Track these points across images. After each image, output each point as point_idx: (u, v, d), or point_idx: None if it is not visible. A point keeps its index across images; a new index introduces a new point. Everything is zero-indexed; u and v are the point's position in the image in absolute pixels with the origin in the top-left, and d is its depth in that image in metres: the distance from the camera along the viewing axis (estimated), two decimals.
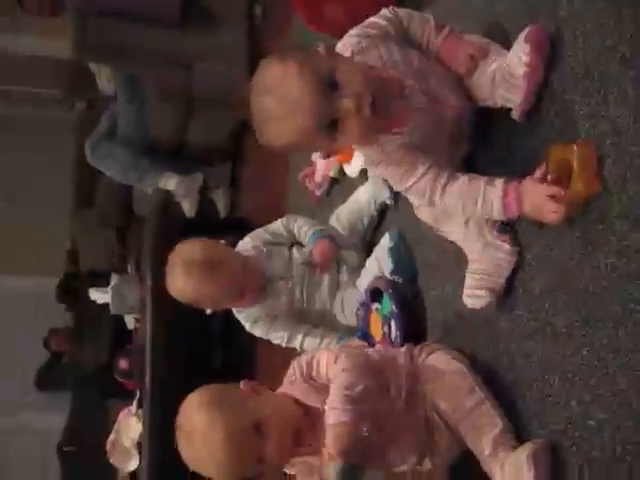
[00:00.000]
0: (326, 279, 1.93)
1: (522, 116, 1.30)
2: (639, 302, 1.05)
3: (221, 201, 3.70)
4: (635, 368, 1.05)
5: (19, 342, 4.78)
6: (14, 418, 4.86)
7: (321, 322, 1.95)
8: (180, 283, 1.86)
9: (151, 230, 2.96)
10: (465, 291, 1.40)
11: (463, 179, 1.31)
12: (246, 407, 1.30)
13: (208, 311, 1.98)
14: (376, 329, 1.73)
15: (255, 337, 2.01)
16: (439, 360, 1.39)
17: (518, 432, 1.28)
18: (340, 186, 2.22)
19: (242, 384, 1.37)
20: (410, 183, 1.33)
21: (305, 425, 1.30)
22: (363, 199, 1.94)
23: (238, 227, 2.71)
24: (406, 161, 1.32)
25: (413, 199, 1.44)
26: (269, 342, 1.98)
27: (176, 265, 1.86)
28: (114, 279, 3.59)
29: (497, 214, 1.28)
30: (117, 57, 3.33)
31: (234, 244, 2.02)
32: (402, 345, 1.50)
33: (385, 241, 1.77)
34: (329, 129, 1.22)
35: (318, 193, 2.31)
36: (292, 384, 1.40)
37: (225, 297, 1.89)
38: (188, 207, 3.56)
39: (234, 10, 3.39)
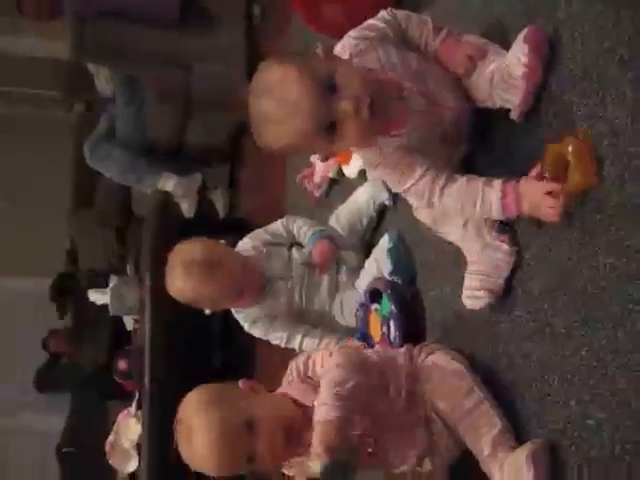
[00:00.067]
0: (325, 280, 1.93)
1: (521, 117, 1.30)
2: (638, 303, 1.06)
3: (220, 202, 3.70)
4: (634, 368, 1.06)
5: (18, 343, 4.78)
6: (13, 419, 4.85)
7: (320, 323, 1.95)
8: (180, 283, 1.86)
9: (150, 231, 2.96)
10: (464, 292, 1.40)
11: (461, 180, 1.31)
12: (240, 405, 1.31)
13: (207, 311, 1.98)
14: (375, 330, 1.73)
15: (254, 337, 2.01)
16: (438, 360, 1.39)
17: (517, 432, 1.28)
18: (339, 187, 2.22)
19: (241, 383, 1.38)
20: (408, 185, 1.34)
21: (303, 425, 1.31)
22: (362, 200, 1.95)
23: (237, 228, 2.71)
24: (404, 163, 1.33)
25: (412, 200, 1.44)
26: (268, 342, 1.98)
27: (176, 265, 1.86)
28: (113, 280, 3.59)
29: (496, 214, 1.28)
30: (115, 58, 3.33)
31: (233, 245, 2.02)
32: (401, 346, 1.50)
33: (384, 242, 1.77)
34: (327, 132, 1.23)
35: (317, 194, 2.31)
36: (290, 384, 1.41)
37: (224, 297, 1.90)
38: (187, 208, 3.56)
39: (232, 10, 3.39)
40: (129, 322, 3.75)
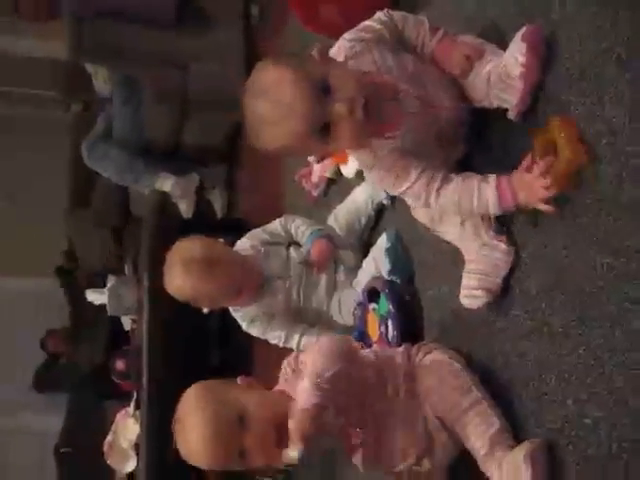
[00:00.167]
0: (323, 279, 1.93)
1: (518, 116, 1.30)
2: (635, 302, 1.06)
3: (218, 202, 3.70)
4: (631, 367, 1.06)
5: (17, 343, 4.77)
6: (12, 419, 4.85)
7: (318, 322, 1.95)
8: (179, 281, 1.86)
9: (148, 231, 2.96)
10: (462, 291, 1.40)
11: (457, 180, 1.32)
12: (233, 399, 1.32)
13: (205, 310, 1.99)
14: (373, 329, 1.74)
15: (252, 336, 2.01)
16: (436, 360, 1.39)
17: (515, 431, 1.28)
18: (337, 187, 2.22)
19: (239, 379, 1.39)
20: (404, 188, 1.34)
21: None
22: (361, 199, 1.95)
23: (235, 228, 2.71)
24: (398, 166, 1.33)
25: (409, 201, 1.45)
26: (266, 341, 1.98)
27: (175, 263, 1.86)
28: (111, 280, 3.59)
29: (493, 209, 1.29)
30: (113, 58, 3.33)
31: (232, 244, 2.02)
32: (399, 345, 1.50)
33: (382, 241, 1.78)
34: (322, 133, 1.23)
35: (315, 194, 2.31)
36: (287, 382, 1.41)
37: (223, 295, 1.90)
38: (185, 208, 3.56)
39: (230, 10, 3.39)
40: (127, 322, 3.75)
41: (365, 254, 1.89)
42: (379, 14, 1.38)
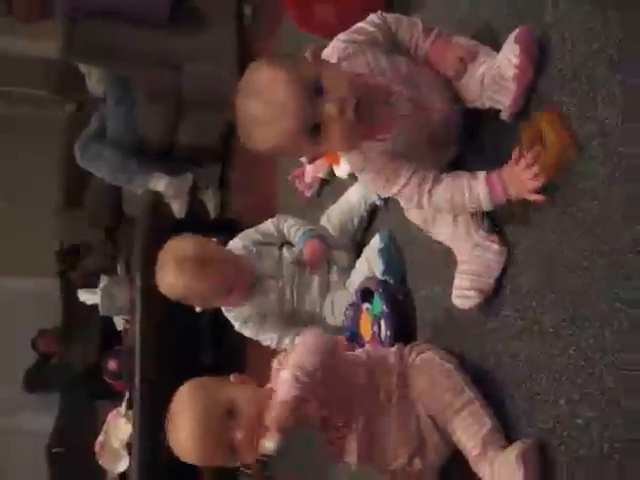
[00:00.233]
0: (316, 279, 1.93)
1: (511, 117, 1.31)
2: (625, 302, 1.06)
3: (211, 202, 3.70)
4: (622, 367, 1.06)
5: (9, 343, 4.76)
6: (3, 419, 4.83)
7: (311, 323, 1.95)
8: (171, 278, 1.85)
9: (141, 231, 2.96)
10: (454, 291, 1.41)
11: (447, 180, 1.32)
12: (224, 396, 1.33)
13: (197, 309, 1.98)
14: (366, 329, 1.74)
15: (245, 337, 2.01)
16: (428, 360, 1.40)
17: (507, 431, 1.28)
18: (330, 187, 2.22)
19: (232, 377, 1.39)
20: (395, 190, 1.35)
21: None
22: (353, 200, 1.95)
23: (228, 228, 2.71)
24: (388, 168, 1.34)
25: (402, 202, 1.45)
26: (259, 342, 1.98)
27: (168, 261, 1.86)
28: (103, 280, 3.58)
29: (485, 204, 1.29)
30: (106, 58, 3.32)
31: (224, 244, 2.02)
32: (392, 345, 1.51)
33: (375, 242, 1.78)
34: (313, 133, 1.23)
35: (308, 194, 2.31)
36: (273, 378, 1.41)
37: (215, 294, 1.89)
38: (178, 208, 3.55)
39: (223, 10, 3.39)
40: (119, 322, 3.74)
41: (358, 255, 1.89)
42: (372, 16, 1.38)
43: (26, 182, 4.79)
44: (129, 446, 3.01)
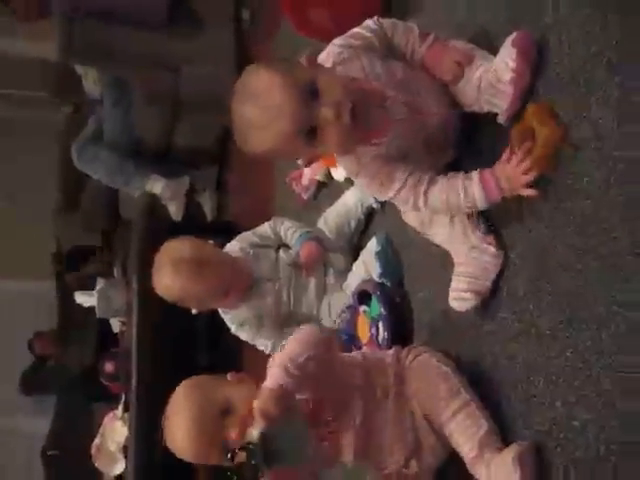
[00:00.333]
0: (313, 282, 1.93)
1: (508, 121, 1.31)
2: (622, 304, 1.07)
3: (208, 204, 3.70)
4: (618, 369, 1.07)
5: (6, 344, 4.75)
6: (3, 420, 4.83)
7: None
8: (167, 280, 1.85)
9: (138, 233, 2.96)
10: (451, 294, 1.41)
11: (442, 181, 1.33)
12: (220, 395, 1.33)
13: (194, 311, 1.98)
14: (363, 331, 1.74)
15: (241, 339, 2.01)
16: (425, 362, 1.40)
17: (503, 433, 1.29)
18: (327, 190, 2.23)
19: (229, 375, 1.39)
20: (391, 194, 1.36)
21: None
22: (350, 202, 1.95)
23: (225, 231, 2.71)
24: (383, 173, 1.34)
25: (399, 205, 1.45)
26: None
27: (164, 263, 1.86)
28: (100, 283, 3.58)
29: (481, 203, 1.30)
30: (103, 60, 3.32)
31: (221, 247, 2.02)
32: (390, 347, 1.51)
33: (372, 245, 1.78)
34: (308, 136, 1.24)
35: (305, 196, 2.31)
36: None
37: (211, 297, 1.89)
38: (175, 210, 3.55)
39: (221, 13, 3.39)
40: (116, 324, 3.74)
41: (355, 257, 1.90)
42: (369, 22, 1.38)
43: (24, 184, 4.79)
44: (125, 449, 3.01)
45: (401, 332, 1.64)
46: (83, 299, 3.66)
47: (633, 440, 1.04)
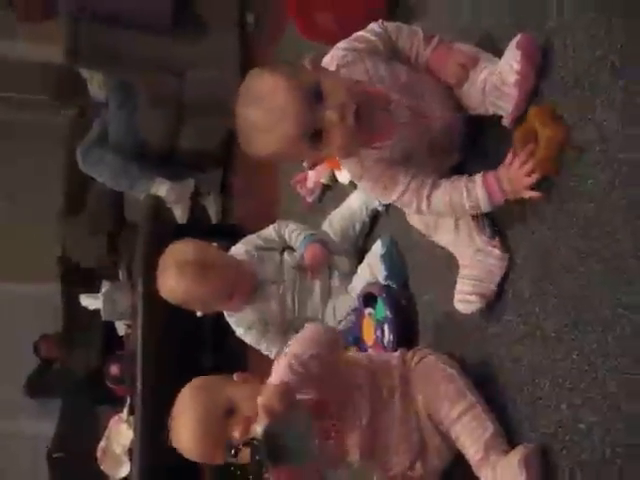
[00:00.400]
0: (317, 285, 1.93)
1: (513, 123, 1.31)
2: (628, 307, 1.07)
3: (212, 207, 3.70)
4: (624, 372, 1.07)
5: (12, 347, 4.76)
6: (4, 423, 4.83)
7: None
8: (172, 282, 1.85)
9: (143, 236, 2.96)
10: (456, 296, 1.41)
11: (445, 184, 1.33)
12: (225, 395, 1.34)
13: (198, 314, 1.99)
14: (369, 334, 1.74)
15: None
16: (431, 365, 1.40)
17: (509, 435, 1.29)
18: (332, 192, 2.23)
19: (235, 376, 1.40)
20: (394, 197, 1.36)
21: None
22: (355, 205, 1.96)
23: (230, 234, 2.72)
24: (386, 176, 1.35)
25: (403, 208, 1.46)
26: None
27: (169, 265, 1.86)
28: (105, 285, 3.59)
29: (484, 206, 1.31)
30: (109, 63, 3.33)
31: (226, 250, 2.02)
32: (395, 350, 1.51)
33: (377, 247, 1.78)
34: (313, 139, 1.24)
35: (310, 199, 2.32)
36: None
37: (215, 299, 1.90)
38: (180, 213, 3.56)
39: (226, 17, 3.40)
40: (121, 327, 3.75)
41: (360, 260, 1.90)
42: (373, 25, 1.38)
43: (28, 187, 4.81)
44: (131, 452, 3.01)
45: (406, 334, 1.65)
46: (88, 302, 3.67)
47: (639, 443, 1.04)
